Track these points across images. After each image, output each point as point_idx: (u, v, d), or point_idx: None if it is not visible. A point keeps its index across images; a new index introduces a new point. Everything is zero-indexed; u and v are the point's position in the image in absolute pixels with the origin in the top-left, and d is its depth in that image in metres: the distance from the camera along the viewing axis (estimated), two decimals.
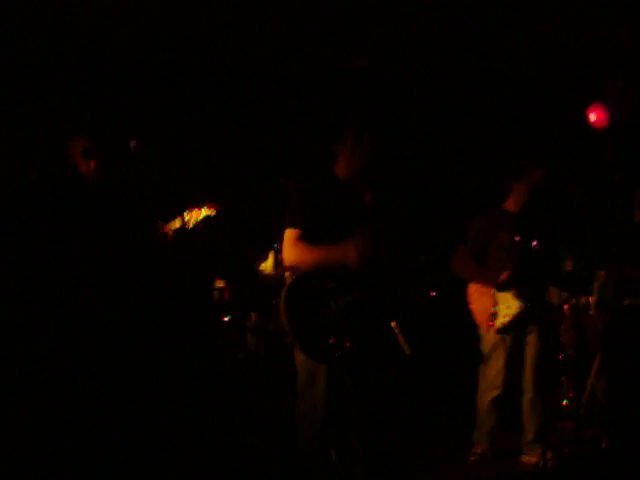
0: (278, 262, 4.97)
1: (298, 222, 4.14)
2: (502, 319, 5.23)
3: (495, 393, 5.29)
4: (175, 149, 6.11)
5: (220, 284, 5.24)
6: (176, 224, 4.02)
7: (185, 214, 4.03)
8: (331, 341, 3.96)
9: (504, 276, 5.20)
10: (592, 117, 6.04)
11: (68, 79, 5.91)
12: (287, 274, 4.24)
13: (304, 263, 4.08)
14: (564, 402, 5.49)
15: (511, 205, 5.42)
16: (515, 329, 5.26)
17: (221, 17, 5.43)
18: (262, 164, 6.38)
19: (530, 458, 5.21)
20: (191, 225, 4.05)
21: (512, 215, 5.39)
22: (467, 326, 5.50)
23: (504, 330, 5.24)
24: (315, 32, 5.78)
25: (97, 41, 5.69)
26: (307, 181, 4.27)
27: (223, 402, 5.11)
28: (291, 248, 4.13)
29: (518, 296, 5.21)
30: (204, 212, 4.01)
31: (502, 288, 5.22)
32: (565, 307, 5.53)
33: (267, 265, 5.14)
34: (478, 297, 5.37)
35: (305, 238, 4.10)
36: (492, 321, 5.24)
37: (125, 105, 5.88)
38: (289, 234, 4.15)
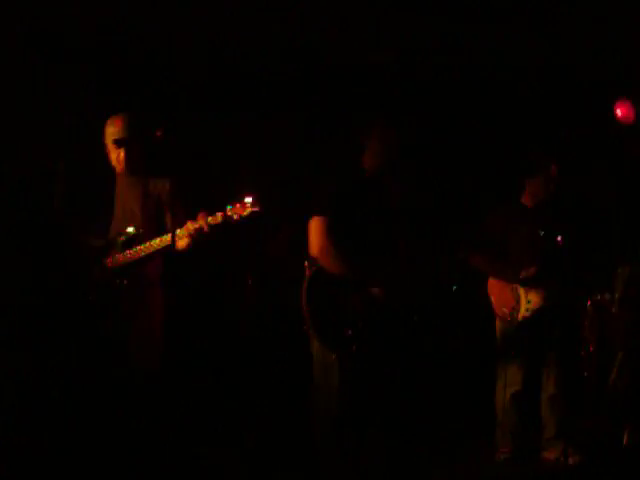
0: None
1: (327, 211, 4.15)
2: (524, 313, 5.20)
3: (515, 389, 5.25)
4: (206, 143, 6.09)
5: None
6: (217, 219, 3.95)
7: (227, 209, 3.95)
8: (348, 333, 3.97)
9: (530, 272, 5.17)
10: (619, 112, 6.01)
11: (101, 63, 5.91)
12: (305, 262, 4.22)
13: (331, 267, 4.11)
14: (585, 399, 5.46)
15: (528, 200, 5.40)
16: (536, 324, 5.23)
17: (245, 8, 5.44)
18: (291, 159, 6.36)
19: (550, 455, 5.18)
20: (234, 219, 3.95)
21: (529, 210, 5.36)
22: (487, 321, 5.48)
23: (525, 324, 5.21)
24: (340, 24, 5.77)
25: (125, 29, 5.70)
26: (337, 170, 4.29)
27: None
28: (319, 239, 4.14)
29: (541, 291, 5.19)
30: (249, 208, 3.92)
31: (526, 283, 5.19)
32: (588, 303, 5.50)
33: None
34: (499, 290, 5.33)
35: (333, 229, 4.11)
36: (513, 315, 5.22)
37: (157, 95, 5.86)
38: (317, 223, 4.16)
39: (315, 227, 4.15)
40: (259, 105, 6.24)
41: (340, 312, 4.01)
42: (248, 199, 3.91)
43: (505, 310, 5.25)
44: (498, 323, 5.35)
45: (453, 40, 5.98)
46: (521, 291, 5.21)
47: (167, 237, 3.99)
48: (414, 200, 4.45)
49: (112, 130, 4.23)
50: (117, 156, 4.24)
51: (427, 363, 4.61)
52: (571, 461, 5.01)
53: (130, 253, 4.09)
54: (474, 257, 5.39)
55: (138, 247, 4.08)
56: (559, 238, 5.16)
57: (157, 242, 4.05)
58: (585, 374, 5.44)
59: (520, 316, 5.20)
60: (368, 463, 4.07)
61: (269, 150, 6.23)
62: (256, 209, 3.89)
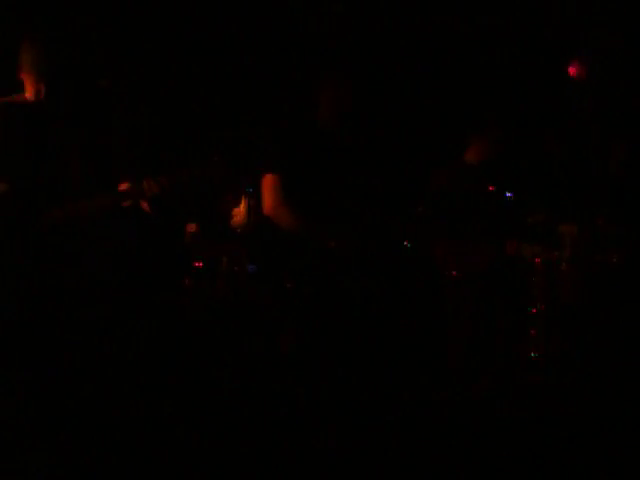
0: (251, 207, 4.90)
1: (279, 168, 4.09)
2: (468, 270, 5.21)
3: (465, 343, 5.27)
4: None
5: (192, 229, 5.15)
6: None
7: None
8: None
9: (478, 227, 5.17)
10: (571, 70, 6.02)
11: None
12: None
13: (283, 224, 4.11)
14: (533, 356, 5.50)
15: (472, 157, 5.38)
16: (483, 281, 5.24)
17: None
18: (240, 109, 6.25)
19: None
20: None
21: (475, 167, 5.35)
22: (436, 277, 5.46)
23: (469, 281, 5.22)
24: None
25: None
26: (290, 126, 4.24)
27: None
28: (271, 197, 4.12)
29: (488, 248, 5.19)
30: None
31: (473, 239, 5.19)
32: (536, 261, 5.52)
33: (240, 210, 5.05)
34: (444, 244, 5.32)
35: (286, 186, 4.05)
36: (457, 272, 5.22)
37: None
38: (269, 180, 4.09)
39: (267, 185, 4.11)
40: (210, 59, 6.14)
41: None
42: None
43: (450, 265, 5.24)
44: (447, 281, 5.36)
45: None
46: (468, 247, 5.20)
47: None
48: (365, 154, 4.43)
49: None
50: None
51: (376, 318, 4.60)
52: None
53: None
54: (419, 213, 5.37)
55: None
56: (509, 194, 5.17)
57: None
58: (533, 331, 5.47)
59: (466, 272, 5.21)
60: None
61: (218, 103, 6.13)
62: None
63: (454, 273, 5.23)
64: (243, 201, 4.98)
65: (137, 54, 5.79)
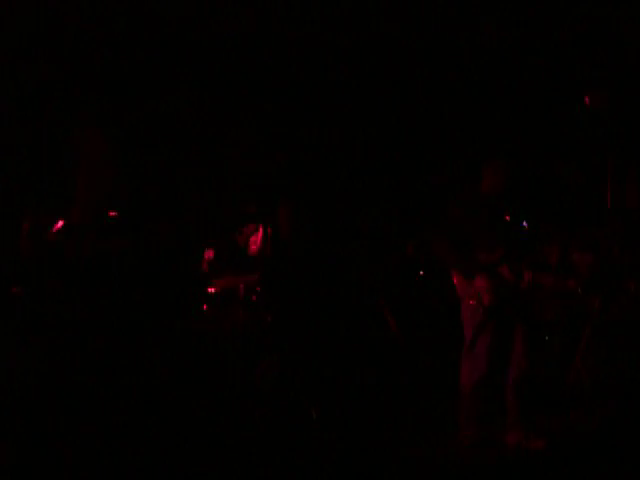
0: (267, 235, 4.98)
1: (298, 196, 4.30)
2: (486, 299, 5.21)
3: (480, 373, 5.27)
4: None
5: (209, 255, 5.24)
6: None
7: None
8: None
9: (495, 256, 5.18)
10: (588, 100, 6.04)
11: None
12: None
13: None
14: (549, 384, 5.50)
15: (487, 187, 5.41)
16: (501, 310, 5.25)
17: None
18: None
19: (513, 439, 5.22)
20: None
21: (491, 197, 5.37)
22: (453, 307, 5.49)
23: (490, 310, 5.23)
24: None
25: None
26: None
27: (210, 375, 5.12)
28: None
29: (504, 277, 5.20)
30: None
31: (488, 269, 5.20)
32: (552, 287, 5.52)
33: (257, 238, 5.13)
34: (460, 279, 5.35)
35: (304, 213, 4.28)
36: (474, 300, 5.22)
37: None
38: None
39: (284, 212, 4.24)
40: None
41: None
42: None
43: (470, 301, 5.26)
44: (464, 309, 5.37)
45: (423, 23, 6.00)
46: (483, 279, 5.21)
47: None
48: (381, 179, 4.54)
49: None
50: None
51: (394, 345, 4.65)
52: (533, 445, 5.06)
53: None
54: (436, 247, 5.40)
55: None
56: (525, 224, 5.18)
57: None
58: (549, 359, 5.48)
59: (485, 301, 5.21)
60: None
61: None
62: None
63: (471, 302, 5.25)
64: (260, 230, 5.07)
65: None
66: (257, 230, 5.29)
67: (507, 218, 5.24)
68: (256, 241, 5.08)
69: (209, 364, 4.91)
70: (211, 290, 5.21)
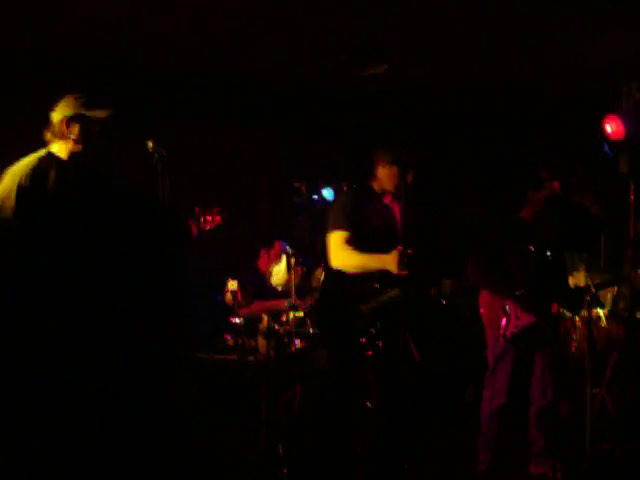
0: (290, 265, 4.98)
1: (346, 226, 4.44)
2: (512, 329, 5.19)
3: (500, 401, 5.24)
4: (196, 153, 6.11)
5: (233, 286, 5.23)
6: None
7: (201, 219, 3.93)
8: (362, 340, 4.16)
9: (519, 293, 5.16)
10: (608, 129, 6.01)
11: None
12: (319, 273, 4.44)
13: (350, 267, 4.43)
14: (573, 414, 5.46)
15: (527, 215, 5.39)
16: (524, 340, 5.22)
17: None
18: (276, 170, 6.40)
19: (539, 469, 5.17)
20: (207, 229, 3.95)
21: (528, 225, 5.36)
22: (476, 333, 5.48)
23: (513, 340, 5.21)
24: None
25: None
26: (353, 189, 4.51)
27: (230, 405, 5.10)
28: (338, 251, 4.46)
29: (529, 307, 5.18)
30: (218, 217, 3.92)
31: (520, 301, 5.18)
32: (577, 319, 5.50)
33: (280, 268, 5.13)
34: (489, 304, 5.33)
35: (351, 242, 4.42)
36: (501, 329, 5.21)
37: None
38: (336, 237, 4.47)
39: (334, 242, 4.39)
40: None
41: (352, 322, 4.29)
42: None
43: (494, 323, 5.24)
44: (488, 336, 5.35)
45: (448, 55, 6.05)
46: (511, 308, 5.19)
47: None
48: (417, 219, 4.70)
49: None
50: None
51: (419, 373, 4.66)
52: (559, 476, 5.01)
53: None
54: (470, 270, 5.38)
55: None
56: (548, 254, 5.16)
57: None
58: (573, 389, 5.44)
59: (509, 332, 5.19)
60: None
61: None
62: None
63: (500, 331, 5.23)
64: (283, 259, 5.07)
65: None
66: (279, 259, 5.30)
67: (531, 247, 5.23)
68: (279, 272, 5.09)
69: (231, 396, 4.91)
70: (234, 320, 5.21)
